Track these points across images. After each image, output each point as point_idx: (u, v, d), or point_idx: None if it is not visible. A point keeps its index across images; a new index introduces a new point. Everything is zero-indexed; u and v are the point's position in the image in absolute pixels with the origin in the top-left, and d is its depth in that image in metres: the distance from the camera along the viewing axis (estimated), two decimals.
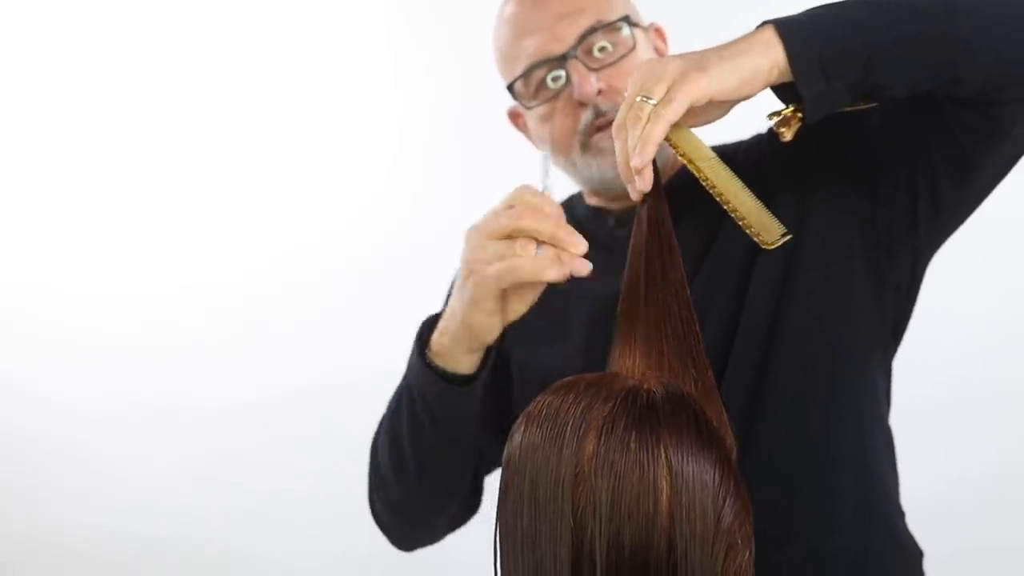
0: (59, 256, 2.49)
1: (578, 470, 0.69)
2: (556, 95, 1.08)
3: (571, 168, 1.11)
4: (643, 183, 0.83)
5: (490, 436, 1.10)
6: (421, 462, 1.06)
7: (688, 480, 0.69)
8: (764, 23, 0.86)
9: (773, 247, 0.82)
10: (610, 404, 0.71)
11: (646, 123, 0.81)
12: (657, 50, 1.15)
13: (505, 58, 1.11)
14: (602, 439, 0.69)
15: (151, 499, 2.44)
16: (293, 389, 2.39)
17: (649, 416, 0.70)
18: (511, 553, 0.72)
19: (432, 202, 2.35)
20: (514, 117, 1.19)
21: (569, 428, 0.71)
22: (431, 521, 1.14)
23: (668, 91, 0.82)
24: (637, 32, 1.10)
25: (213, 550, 2.41)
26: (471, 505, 1.15)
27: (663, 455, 0.69)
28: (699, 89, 0.82)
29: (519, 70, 1.09)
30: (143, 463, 2.45)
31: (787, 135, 0.87)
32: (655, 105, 0.81)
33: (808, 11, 0.86)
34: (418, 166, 2.37)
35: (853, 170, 1.03)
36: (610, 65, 1.07)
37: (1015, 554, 2.15)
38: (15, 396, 2.49)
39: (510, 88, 1.11)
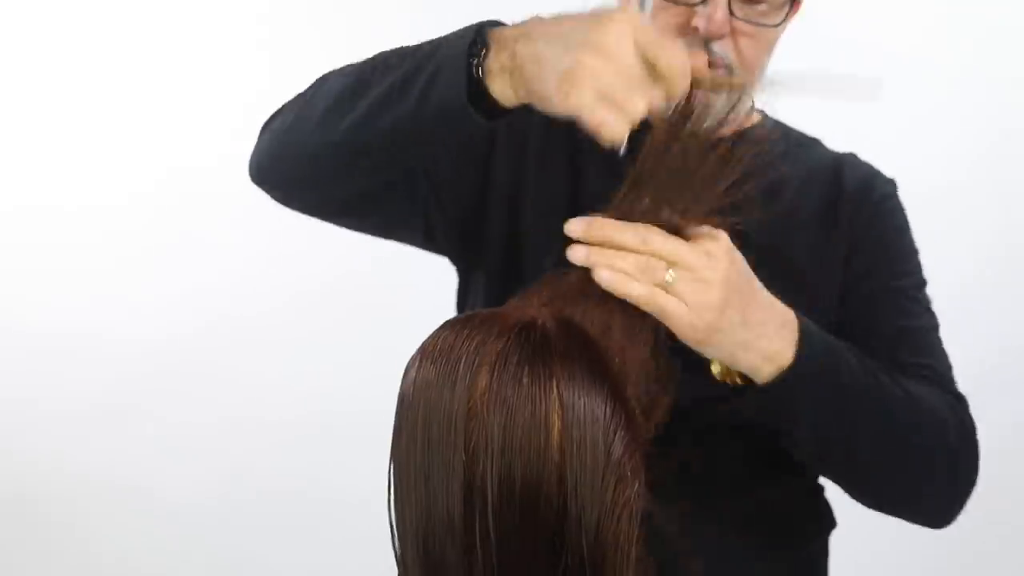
0: None
1: (470, 405, 0.69)
2: (684, 2, 1.00)
3: None
4: (579, 255, 0.81)
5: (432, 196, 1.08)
6: (367, 123, 0.91)
7: (579, 414, 0.69)
8: (801, 330, 0.87)
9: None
10: (503, 339, 0.71)
11: (639, 282, 0.79)
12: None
13: None
14: (495, 374, 0.70)
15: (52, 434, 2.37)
16: (196, 326, 2.34)
17: (542, 351, 0.70)
18: (404, 489, 0.72)
19: None
20: None
21: (462, 364, 0.71)
22: (319, 179, 0.99)
23: (678, 299, 0.80)
24: (791, 15, 1.04)
25: (118, 488, 2.36)
26: (363, 206, 1.04)
27: (555, 390, 0.69)
28: (684, 337, 0.81)
29: None
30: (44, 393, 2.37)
31: (714, 372, 0.90)
32: (660, 288, 0.79)
33: (821, 366, 0.88)
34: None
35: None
36: (749, 23, 1.00)
37: None
38: None
39: None
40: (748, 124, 1.12)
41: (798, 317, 0.88)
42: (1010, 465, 2.30)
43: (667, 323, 0.81)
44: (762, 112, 1.15)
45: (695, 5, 0.99)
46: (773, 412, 0.89)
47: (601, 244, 0.80)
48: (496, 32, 0.83)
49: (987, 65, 2.21)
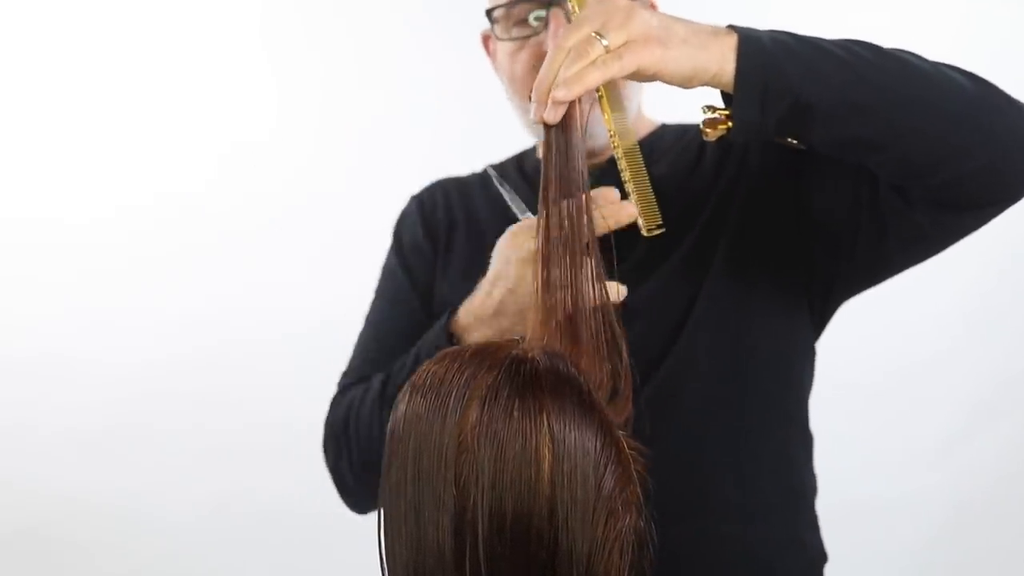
0: None
1: (461, 439, 0.69)
2: (531, 35, 1.06)
3: (525, 114, 1.10)
4: (552, 115, 0.81)
5: None
6: None
7: (570, 448, 0.69)
8: (730, 27, 0.85)
9: (648, 235, 0.85)
10: (494, 373, 0.71)
11: (588, 64, 0.79)
12: None
13: None
14: (485, 408, 0.70)
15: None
16: (194, 347, 2.34)
17: (532, 385, 0.70)
18: (394, 522, 0.72)
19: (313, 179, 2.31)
20: (486, 40, 1.17)
21: (453, 397, 0.71)
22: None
23: (623, 46, 0.79)
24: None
25: (118, 512, 2.35)
26: None
27: (545, 423, 0.69)
28: (652, 62, 0.80)
29: None
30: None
31: (711, 136, 0.87)
32: (605, 52, 0.79)
33: (774, 34, 0.85)
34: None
35: (798, 191, 1.05)
36: None
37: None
38: None
39: (489, 13, 1.09)
40: (646, 133, 1.17)
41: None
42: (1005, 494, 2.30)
43: (638, 69, 0.80)
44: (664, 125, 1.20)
45: (539, 33, 1.05)
46: (774, 93, 0.83)
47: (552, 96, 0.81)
48: (456, 323, 1.02)
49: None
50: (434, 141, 2.20)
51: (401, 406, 0.73)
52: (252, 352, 2.32)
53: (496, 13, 1.08)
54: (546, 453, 0.69)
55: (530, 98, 1.01)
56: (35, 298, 2.33)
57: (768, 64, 0.83)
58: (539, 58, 1.05)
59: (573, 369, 0.74)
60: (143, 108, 2.34)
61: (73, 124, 2.34)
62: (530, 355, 0.73)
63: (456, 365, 0.72)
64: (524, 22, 1.07)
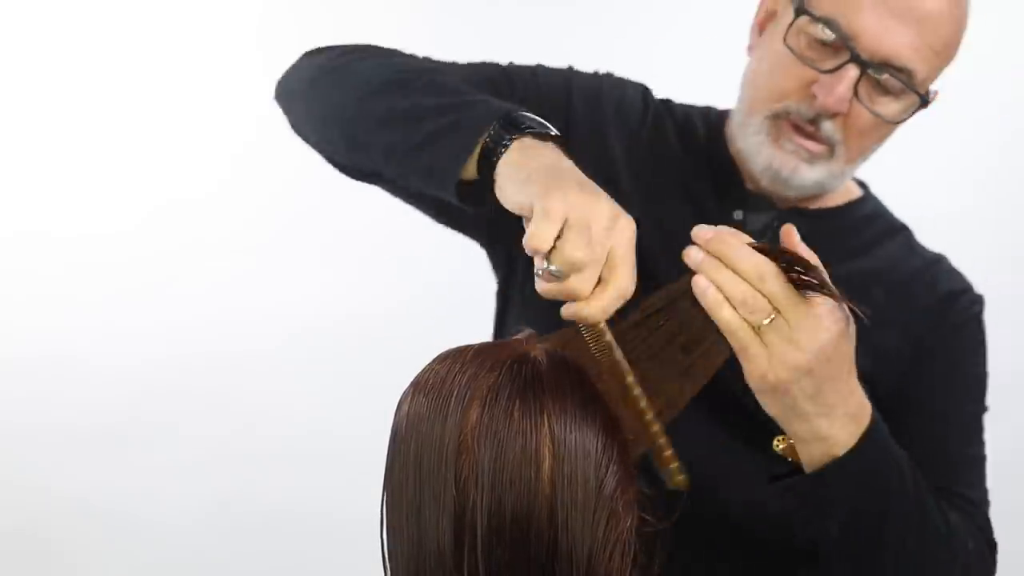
0: None
1: (461, 439, 0.70)
2: (812, 63, 0.96)
3: (741, 124, 1.02)
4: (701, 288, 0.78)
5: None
6: (374, 129, 0.93)
7: (570, 449, 0.69)
8: (868, 429, 0.84)
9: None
10: (495, 373, 0.71)
11: (728, 312, 0.77)
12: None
13: None
14: (486, 408, 0.70)
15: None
16: (193, 350, 2.34)
17: (533, 385, 0.71)
18: (396, 522, 0.73)
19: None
20: (769, 16, 1.04)
21: (454, 397, 0.71)
22: (321, 139, 1.04)
23: (756, 354, 0.78)
24: (907, 113, 0.99)
25: (114, 514, 2.35)
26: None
27: (546, 424, 0.69)
28: (754, 385, 0.80)
29: (824, 12, 0.95)
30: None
31: (778, 450, 0.87)
32: (750, 326, 0.77)
33: (891, 464, 0.87)
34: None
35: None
36: (866, 105, 0.96)
37: None
38: None
39: (800, 8, 0.96)
40: (847, 199, 1.10)
41: (872, 416, 0.85)
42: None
43: (741, 361, 0.79)
44: (864, 188, 1.12)
45: (822, 72, 0.96)
46: (810, 497, 0.86)
47: (719, 259, 0.78)
48: (522, 141, 0.83)
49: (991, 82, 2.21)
50: None
51: (404, 406, 0.74)
52: (252, 353, 2.32)
53: (802, 18, 0.96)
54: (546, 454, 0.69)
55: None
56: (35, 299, 2.34)
57: (829, 495, 0.85)
58: (804, 89, 0.97)
59: (576, 370, 0.74)
60: (143, 113, 2.35)
61: (71, 127, 2.34)
62: (532, 356, 0.73)
63: (458, 365, 0.72)
64: (821, 46, 0.96)
